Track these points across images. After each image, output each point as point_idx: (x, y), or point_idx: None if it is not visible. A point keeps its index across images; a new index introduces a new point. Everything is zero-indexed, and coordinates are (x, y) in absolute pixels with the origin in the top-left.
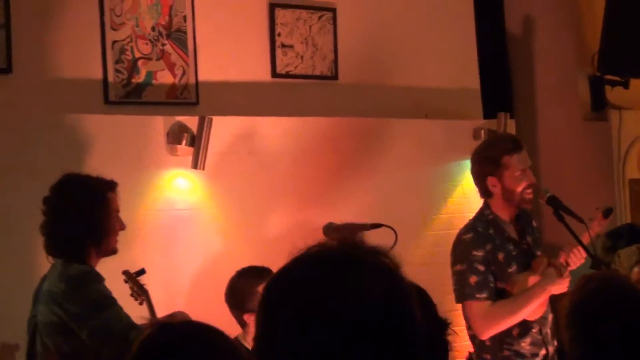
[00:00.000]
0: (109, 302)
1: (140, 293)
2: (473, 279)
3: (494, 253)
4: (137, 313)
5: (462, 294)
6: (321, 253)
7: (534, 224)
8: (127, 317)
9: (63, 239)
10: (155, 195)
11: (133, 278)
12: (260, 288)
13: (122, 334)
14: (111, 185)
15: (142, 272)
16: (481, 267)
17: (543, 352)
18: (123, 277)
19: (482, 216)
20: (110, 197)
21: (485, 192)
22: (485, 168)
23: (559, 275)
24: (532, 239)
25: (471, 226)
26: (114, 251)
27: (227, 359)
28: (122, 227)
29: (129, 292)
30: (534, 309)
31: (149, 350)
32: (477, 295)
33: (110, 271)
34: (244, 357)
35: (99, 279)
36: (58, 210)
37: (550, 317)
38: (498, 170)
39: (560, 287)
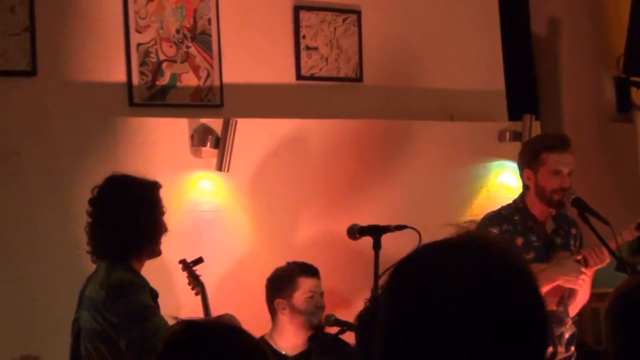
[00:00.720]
0: (147, 312)
1: (195, 284)
2: None
3: (511, 235)
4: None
5: None
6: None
7: (573, 231)
8: (165, 327)
9: (113, 239)
10: (180, 197)
11: (189, 267)
12: (301, 280)
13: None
14: (157, 186)
15: (199, 260)
16: None
17: (550, 349)
18: (180, 265)
19: (513, 203)
20: (158, 198)
21: (523, 183)
22: (525, 159)
23: (575, 268)
24: (562, 241)
25: (498, 208)
26: (159, 253)
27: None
28: (166, 229)
29: (186, 281)
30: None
31: (174, 347)
32: None
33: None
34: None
35: (140, 288)
36: (106, 211)
37: (568, 320)
38: (535, 164)
39: (571, 280)
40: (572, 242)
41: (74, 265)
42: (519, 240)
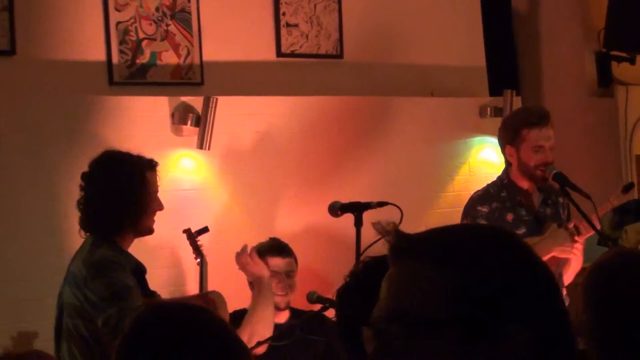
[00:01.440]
0: (125, 293)
1: (197, 254)
2: None
3: (501, 213)
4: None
5: None
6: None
7: (561, 199)
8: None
9: (98, 215)
10: (161, 176)
11: (192, 238)
12: (268, 260)
13: None
14: (151, 164)
15: (204, 230)
16: (483, 222)
17: None
18: (184, 234)
19: (498, 180)
20: (150, 177)
21: (505, 160)
22: (506, 136)
23: (568, 238)
24: (551, 211)
25: (485, 187)
26: (150, 231)
27: (216, 341)
28: (160, 207)
29: (190, 250)
30: None
31: (138, 330)
32: None
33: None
34: (235, 339)
35: (121, 267)
36: (96, 186)
37: (564, 290)
38: (516, 140)
39: (565, 249)
40: (562, 211)
41: (55, 245)
42: (509, 216)
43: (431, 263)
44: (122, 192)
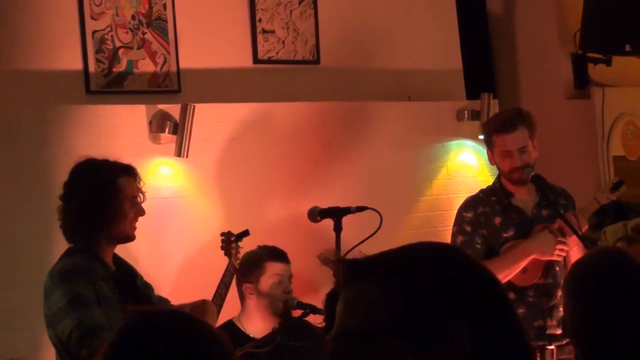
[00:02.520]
0: (77, 303)
1: (229, 255)
2: (459, 239)
3: (488, 217)
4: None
5: None
6: None
7: (562, 200)
8: (91, 320)
9: (71, 224)
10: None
11: (228, 241)
12: (269, 265)
13: (78, 339)
14: (126, 170)
15: (245, 233)
16: (468, 228)
17: (540, 322)
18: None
19: (492, 184)
20: (123, 182)
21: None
22: (485, 141)
23: (551, 241)
24: (547, 213)
25: (477, 192)
26: (128, 238)
27: (207, 348)
28: (140, 212)
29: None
30: (527, 276)
31: (125, 338)
32: None
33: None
34: (225, 347)
35: (79, 276)
36: (68, 195)
37: (559, 292)
38: (490, 146)
39: (546, 252)
40: (562, 212)
41: (34, 255)
42: (497, 220)
43: (372, 282)
44: (90, 198)
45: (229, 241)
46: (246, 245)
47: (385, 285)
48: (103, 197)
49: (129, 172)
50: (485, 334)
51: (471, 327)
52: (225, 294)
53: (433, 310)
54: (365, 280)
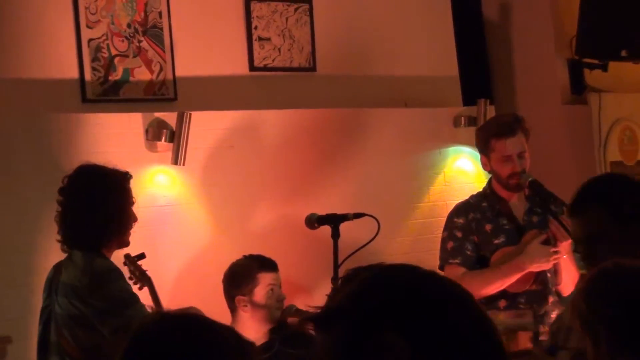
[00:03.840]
0: (132, 300)
1: (140, 278)
2: (450, 245)
3: (479, 223)
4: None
5: (440, 259)
6: None
7: (553, 207)
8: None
9: (87, 228)
10: (136, 192)
11: (134, 262)
12: (261, 275)
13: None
14: (127, 177)
15: (141, 256)
16: (459, 234)
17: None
18: (123, 260)
19: (482, 190)
20: (129, 188)
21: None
22: (479, 146)
23: (544, 254)
24: (539, 219)
25: (467, 198)
26: (128, 243)
27: (233, 351)
28: (135, 219)
29: (129, 275)
30: (519, 283)
31: (144, 338)
32: (450, 261)
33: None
34: (249, 350)
35: (122, 275)
36: (77, 200)
37: (550, 298)
38: (486, 151)
39: (541, 264)
40: (553, 218)
41: (29, 264)
42: (488, 227)
43: (322, 332)
44: (111, 204)
45: (135, 263)
46: (232, 252)
47: (331, 332)
48: (120, 202)
49: (129, 178)
50: (425, 341)
51: (406, 336)
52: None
53: (368, 332)
54: (321, 331)
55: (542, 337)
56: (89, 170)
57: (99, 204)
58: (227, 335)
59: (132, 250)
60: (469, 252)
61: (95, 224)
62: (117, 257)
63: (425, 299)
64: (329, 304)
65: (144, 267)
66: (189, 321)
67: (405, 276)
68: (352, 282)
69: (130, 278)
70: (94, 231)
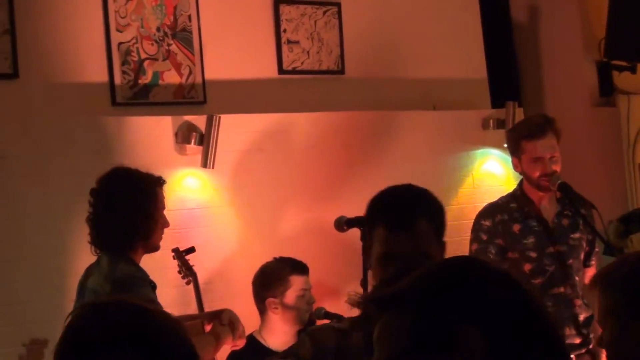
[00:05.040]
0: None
1: (187, 272)
2: (474, 247)
3: (506, 224)
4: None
5: None
6: None
7: (583, 211)
8: None
9: (112, 231)
10: (166, 195)
11: (182, 256)
12: (293, 278)
13: None
14: (160, 181)
15: (191, 250)
16: (484, 236)
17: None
18: (172, 254)
19: (513, 191)
20: (159, 193)
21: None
22: (510, 148)
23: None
24: (569, 222)
25: (496, 199)
26: (157, 248)
27: (165, 337)
28: (167, 224)
29: (177, 269)
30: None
31: (75, 332)
32: None
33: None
34: (184, 335)
35: (144, 282)
36: (108, 202)
37: (577, 301)
38: (518, 152)
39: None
40: (582, 221)
41: (61, 266)
42: (516, 227)
43: (391, 313)
44: (136, 207)
45: (183, 257)
46: (262, 256)
47: (401, 313)
48: (149, 206)
49: (162, 183)
50: (503, 339)
51: (486, 332)
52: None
53: (445, 322)
54: (387, 313)
55: (568, 341)
56: (121, 173)
57: (127, 206)
58: (160, 319)
59: (161, 253)
60: (492, 255)
61: (123, 226)
62: (167, 251)
63: (506, 297)
64: (400, 286)
65: (191, 262)
66: (120, 306)
67: (484, 270)
68: (426, 270)
69: (179, 272)
70: (121, 233)
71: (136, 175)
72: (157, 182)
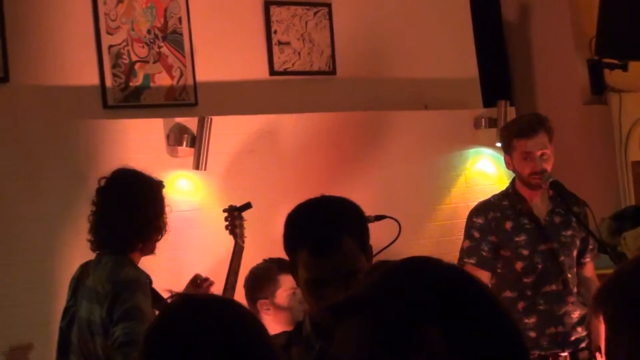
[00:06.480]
0: (138, 316)
1: (232, 232)
2: (466, 244)
3: (499, 222)
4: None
5: (458, 258)
6: None
7: (576, 208)
8: (140, 335)
9: (114, 231)
10: None
11: (233, 214)
12: (282, 277)
13: (119, 345)
14: (162, 185)
15: (247, 205)
16: (476, 234)
17: (552, 330)
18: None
19: (505, 189)
20: (163, 196)
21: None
22: (502, 146)
23: None
24: (561, 219)
25: (489, 197)
26: (153, 251)
27: (254, 333)
28: (166, 228)
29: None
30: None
31: (169, 319)
32: (465, 260)
33: None
34: (262, 338)
35: (144, 288)
36: (114, 201)
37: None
38: (509, 150)
39: None
40: (575, 220)
41: (55, 270)
42: (508, 224)
43: (350, 319)
44: (141, 209)
45: (233, 217)
46: (254, 257)
47: (360, 318)
48: (155, 207)
49: (163, 186)
50: (462, 336)
51: (446, 331)
52: (236, 282)
53: (405, 323)
54: (345, 320)
55: (561, 338)
56: (128, 174)
57: (137, 207)
58: (250, 317)
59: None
60: (484, 253)
61: (131, 227)
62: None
63: (464, 295)
64: (355, 291)
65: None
66: (213, 302)
67: (438, 269)
68: (381, 272)
69: (227, 227)
70: (122, 234)
71: (142, 177)
72: (161, 186)
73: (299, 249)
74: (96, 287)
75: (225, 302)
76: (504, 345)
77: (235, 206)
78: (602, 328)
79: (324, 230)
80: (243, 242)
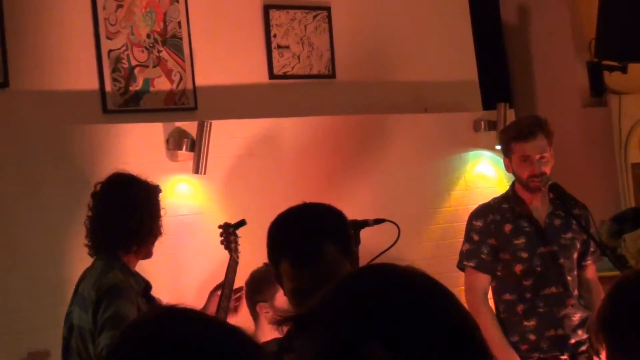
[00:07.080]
0: (120, 323)
1: (227, 247)
2: (465, 247)
3: (498, 225)
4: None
5: (458, 262)
6: None
7: (577, 211)
8: None
9: (109, 234)
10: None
11: (227, 231)
12: None
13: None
14: (158, 190)
15: (242, 223)
16: (476, 237)
17: (551, 332)
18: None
19: (505, 192)
20: (158, 201)
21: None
22: (502, 149)
23: None
24: (561, 222)
25: (489, 200)
26: (150, 255)
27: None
28: (161, 232)
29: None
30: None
31: (130, 332)
32: (465, 263)
33: None
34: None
35: (127, 294)
36: (108, 205)
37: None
38: (508, 153)
39: None
40: (576, 222)
41: (54, 275)
42: (508, 227)
43: (305, 332)
44: (136, 212)
45: (228, 233)
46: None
47: (312, 333)
48: (151, 211)
49: (160, 191)
50: (407, 351)
51: (389, 347)
52: (231, 294)
53: (348, 342)
54: (303, 333)
55: (561, 341)
56: (123, 178)
57: (126, 211)
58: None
59: (158, 259)
60: (484, 256)
61: (124, 229)
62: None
63: (407, 307)
64: (312, 306)
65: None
66: (179, 311)
67: (387, 280)
68: (333, 287)
69: (222, 242)
70: (117, 238)
71: (137, 181)
72: (158, 190)
73: (282, 259)
74: (84, 294)
75: (190, 311)
76: (454, 349)
77: (230, 223)
78: (603, 354)
79: (304, 240)
80: (237, 257)
